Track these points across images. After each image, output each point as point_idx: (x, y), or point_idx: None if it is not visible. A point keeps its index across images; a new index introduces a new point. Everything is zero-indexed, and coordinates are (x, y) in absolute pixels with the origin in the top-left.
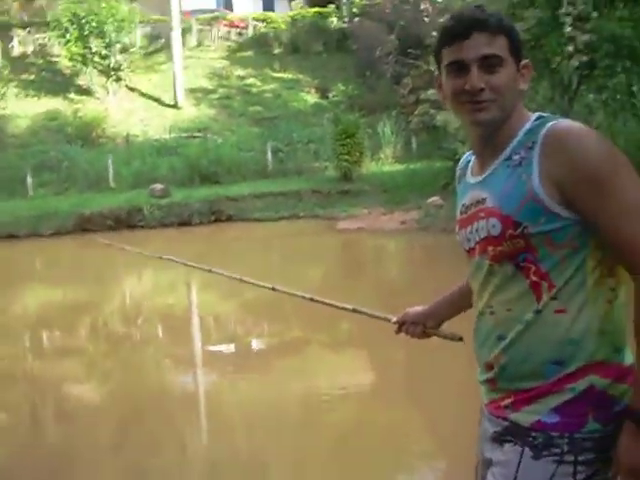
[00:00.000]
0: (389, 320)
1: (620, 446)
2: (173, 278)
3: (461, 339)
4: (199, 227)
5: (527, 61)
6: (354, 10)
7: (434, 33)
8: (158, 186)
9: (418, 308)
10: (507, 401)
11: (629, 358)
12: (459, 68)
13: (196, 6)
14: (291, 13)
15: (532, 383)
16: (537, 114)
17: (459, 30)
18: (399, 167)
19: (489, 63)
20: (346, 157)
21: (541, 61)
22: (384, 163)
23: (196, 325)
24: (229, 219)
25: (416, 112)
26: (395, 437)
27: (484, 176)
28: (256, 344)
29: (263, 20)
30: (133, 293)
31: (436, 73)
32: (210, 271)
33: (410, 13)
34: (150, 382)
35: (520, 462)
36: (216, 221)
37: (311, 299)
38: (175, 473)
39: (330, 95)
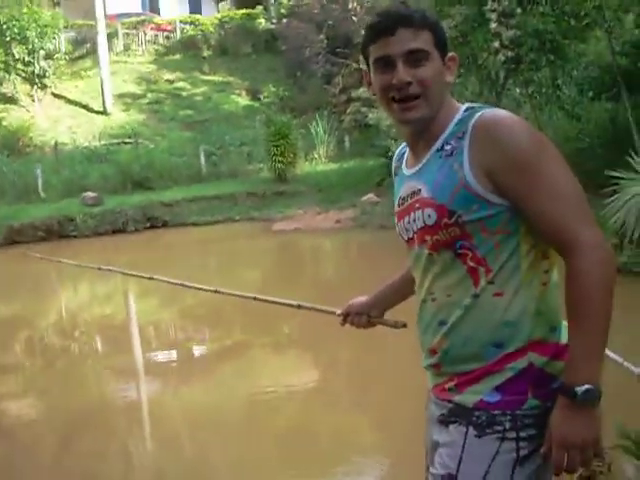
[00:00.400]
0: (334, 313)
1: (553, 420)
2: (110, 288)
3: (405, 325)
4: (134, 234)
5: (452, 54)
6: (282, 11)
7: (363, 32)
8: (90, 194)
9: (361, 298)
10: (451, 384)
11: (565, 336)
12: (386, 64)
13: (121, 10)
14: (219, 15)
15: (474, 365)
16: (467, 105)
17: (384, 26)
18: (333, 166)
19: (415, 57)
20: (280, 158)
21: (469, 57)
22: (318, 163)
23: (137, 334)
24: (164, 225)
25: (348, 111)
26: (342, 433)
27: (418, 167)
28: (199, 349)
29: (190, 23)
30: (70, 306)
31: (364, 69)
32: (151, 278)
33: (338, 12)
34: (92, 393)
35: (465, 442)
36: (151, 227)
37: (254, 298)
38: None
39: (261, 97)
